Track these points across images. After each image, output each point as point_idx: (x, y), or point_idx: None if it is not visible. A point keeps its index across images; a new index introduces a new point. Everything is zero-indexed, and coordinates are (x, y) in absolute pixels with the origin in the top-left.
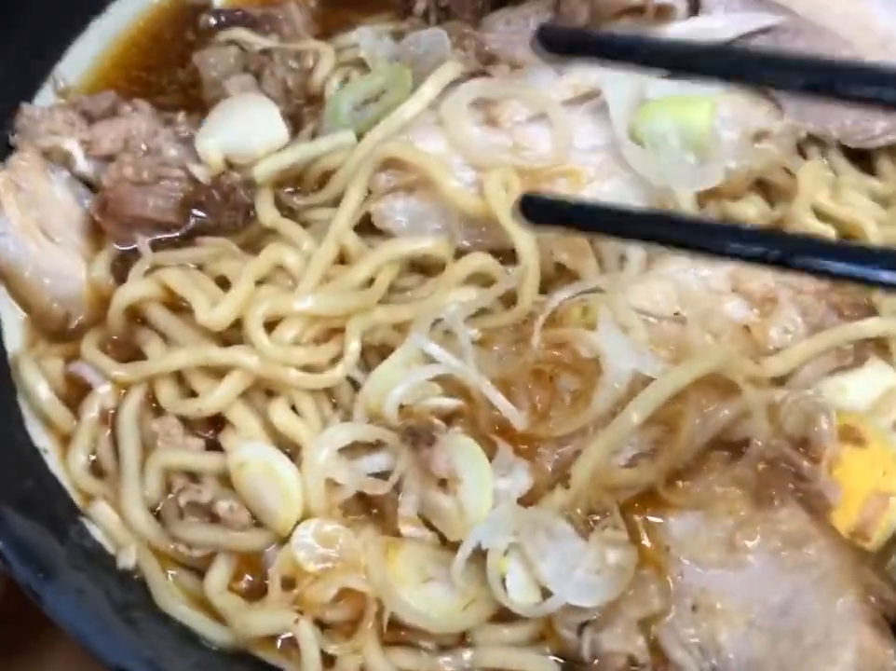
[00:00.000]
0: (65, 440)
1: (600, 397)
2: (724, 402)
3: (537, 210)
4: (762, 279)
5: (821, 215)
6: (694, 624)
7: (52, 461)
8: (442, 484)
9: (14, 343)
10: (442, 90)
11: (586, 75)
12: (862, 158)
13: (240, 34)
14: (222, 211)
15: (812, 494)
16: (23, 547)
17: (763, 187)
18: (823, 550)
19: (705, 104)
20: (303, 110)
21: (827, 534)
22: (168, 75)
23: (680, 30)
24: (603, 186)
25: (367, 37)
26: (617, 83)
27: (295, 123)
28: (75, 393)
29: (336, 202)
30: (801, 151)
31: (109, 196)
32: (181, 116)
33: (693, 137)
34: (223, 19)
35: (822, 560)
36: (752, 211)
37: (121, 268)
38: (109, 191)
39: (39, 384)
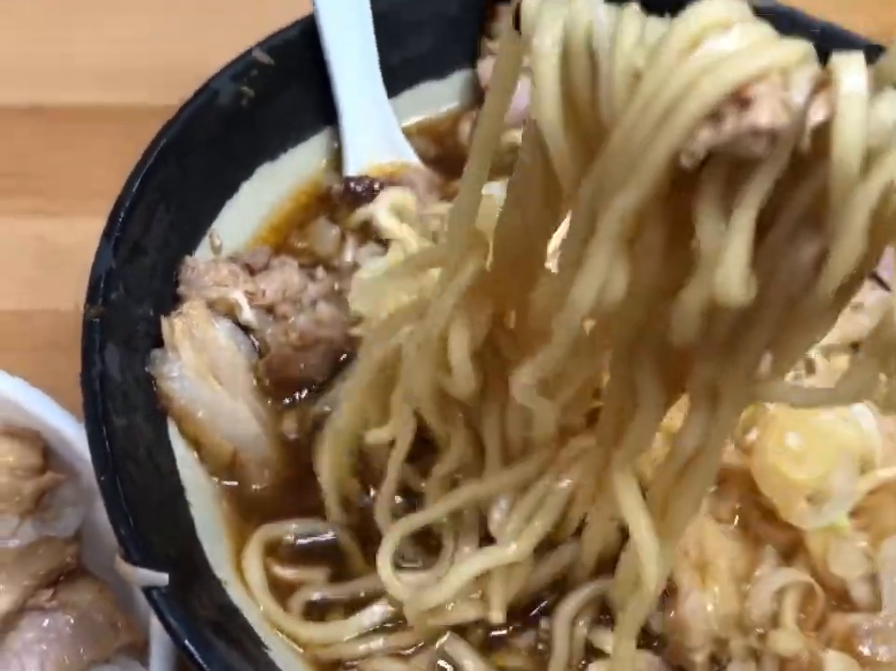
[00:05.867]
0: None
1: None
2: None
3: None
4: None
5: None
6: None
7: (231, 592)
8: None
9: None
10: None
11: None
12: None
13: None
14: None
15: None
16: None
17: None
18: None
19: None
20: None
21: None
22: (299, 238)
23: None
24: None
25: (496, 189)
26: None
27: None
28: None
29: None
30: None
31: (276, 362)
32: (320, 272)
33: None
34: (352, 185)
35: None
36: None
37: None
38: (276, 356)
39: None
